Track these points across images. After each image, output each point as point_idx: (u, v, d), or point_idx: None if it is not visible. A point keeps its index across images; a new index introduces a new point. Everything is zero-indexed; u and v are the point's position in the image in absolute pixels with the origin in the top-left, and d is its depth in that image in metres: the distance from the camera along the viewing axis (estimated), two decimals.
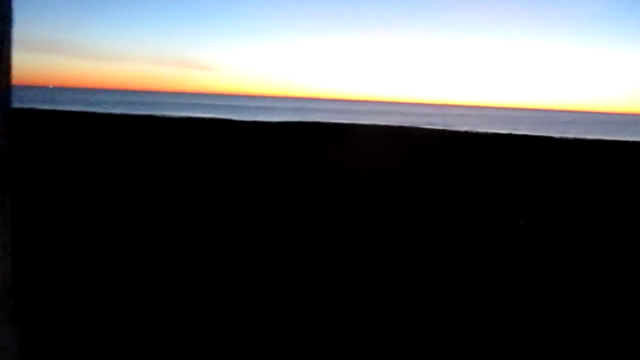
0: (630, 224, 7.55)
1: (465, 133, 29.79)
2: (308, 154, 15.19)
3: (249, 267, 4.85)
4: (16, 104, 1.95)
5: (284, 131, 24.09)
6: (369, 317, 3.88)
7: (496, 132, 33.79)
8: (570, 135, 32.40)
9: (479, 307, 4.18)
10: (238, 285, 4.38)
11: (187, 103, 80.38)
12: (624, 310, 4.25)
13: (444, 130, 32.43)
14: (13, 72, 1.66)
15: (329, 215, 7.22)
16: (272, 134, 22.43)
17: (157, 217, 6.63)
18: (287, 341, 3.46)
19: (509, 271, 5.10)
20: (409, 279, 4.78)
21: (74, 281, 4.26)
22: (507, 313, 4.09)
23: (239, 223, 6.52)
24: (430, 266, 5.17)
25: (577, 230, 6.97)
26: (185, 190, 8.53)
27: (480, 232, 6.65)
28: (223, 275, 4.60)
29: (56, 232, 5.65)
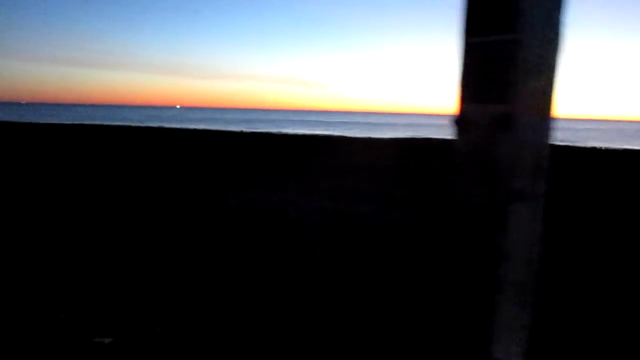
0: None
1: (594, 149, 28.13)
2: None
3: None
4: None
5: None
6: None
7: (631, 147, 31.46)
8: None
9: None
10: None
11: (305, 120, 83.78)
12: None
13: (568, 146, 30.81)
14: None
15: None
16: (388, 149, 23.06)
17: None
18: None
19: None
20: None
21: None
22: None
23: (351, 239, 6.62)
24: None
25: None
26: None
27: None
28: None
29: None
